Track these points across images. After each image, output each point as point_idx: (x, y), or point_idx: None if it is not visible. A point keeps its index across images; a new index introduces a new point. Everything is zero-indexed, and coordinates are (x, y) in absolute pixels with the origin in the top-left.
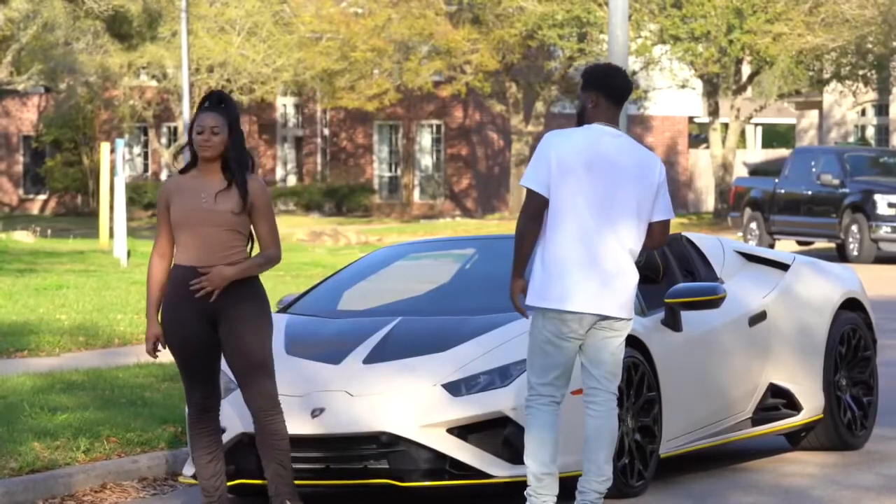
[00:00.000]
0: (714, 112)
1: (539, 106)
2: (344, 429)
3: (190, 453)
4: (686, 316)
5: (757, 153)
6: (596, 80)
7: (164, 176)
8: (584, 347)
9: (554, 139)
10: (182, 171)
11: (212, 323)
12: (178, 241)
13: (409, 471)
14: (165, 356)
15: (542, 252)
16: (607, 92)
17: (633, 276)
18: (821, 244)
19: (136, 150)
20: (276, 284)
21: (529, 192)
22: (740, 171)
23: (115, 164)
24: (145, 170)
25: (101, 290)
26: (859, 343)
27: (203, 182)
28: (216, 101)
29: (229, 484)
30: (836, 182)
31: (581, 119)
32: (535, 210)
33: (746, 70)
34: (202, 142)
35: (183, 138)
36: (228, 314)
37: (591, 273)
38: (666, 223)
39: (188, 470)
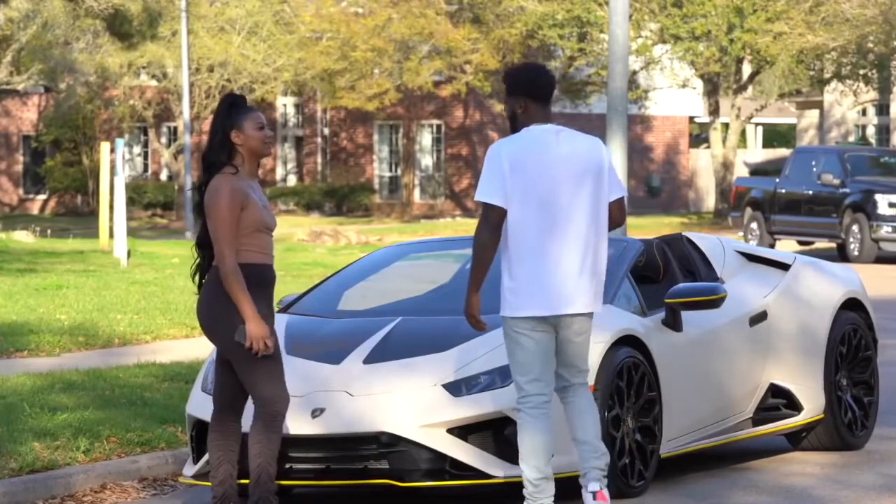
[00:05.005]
0: (715, 112)
1: None
2: (344, 429)
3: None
4: (686, 316)
5: (757, 153)
6: (519, 85)
7: (164, 176)
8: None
9: (501, 149)
10: (233, 172)
11: None
12: (260, 242)
13: (409, 471)
14: (164, 355)
15: (506, 261)
16: (533, 95)
17: (598, 270)
18: (821, 244)
19: (136, 149)
20: (277, 284)
21: (487, 205)
22: (741, 171)
23: (115, 164)
24: (145, 170)
25: (100, 290)
26: (860, 343)
27: (256, 185)
28: (245, 102)
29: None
30: (837, 182)
31: (514, 123)
32: (496, 222)
33: (747, 69)
34: (267, 138)
35: (183, 138)
36: None
37: (557, 274)
38: (621, 200)
39: (188, 470)
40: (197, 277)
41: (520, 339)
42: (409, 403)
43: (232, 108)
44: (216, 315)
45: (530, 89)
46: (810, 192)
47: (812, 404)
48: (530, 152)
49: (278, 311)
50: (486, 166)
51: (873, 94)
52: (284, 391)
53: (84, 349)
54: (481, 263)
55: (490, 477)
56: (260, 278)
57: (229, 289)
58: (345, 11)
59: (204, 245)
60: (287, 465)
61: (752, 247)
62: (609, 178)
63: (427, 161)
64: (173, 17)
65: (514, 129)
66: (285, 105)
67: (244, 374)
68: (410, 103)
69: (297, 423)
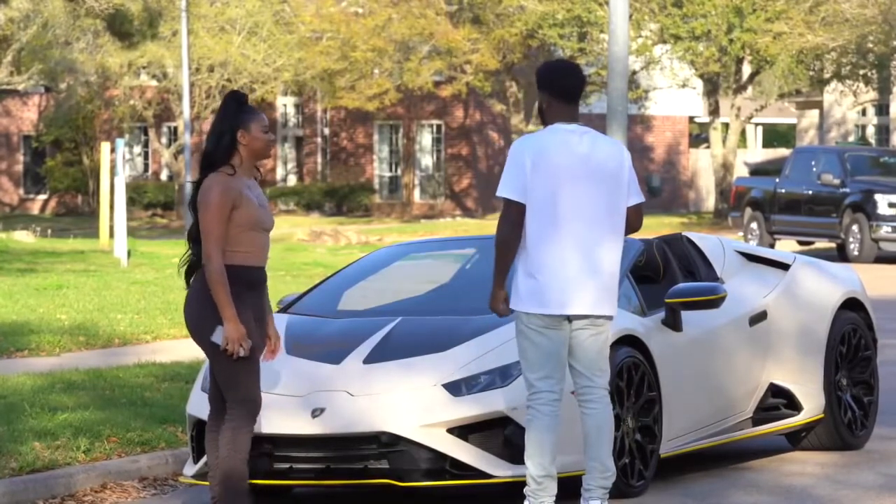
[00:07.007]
0: (714, 111)
1: None
2: (344, 429)
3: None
4: (686, 316)
5: (757, 153)
6: (545, 81)
7: (164, 176)
8: (571, 348)
9: (524, 145)
10: (230, 173)
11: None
12: (254, 242)
13: (409, 471)
14: (164, 355)
15: (522, 257)
16: (557, 93)
17: (611, 272)
18: (821, 244)
19: (137, 149)
20: (276, 284)
21: (508, 200)
22: (741, 171)
23: (116, 164)
24: (146, 170)
25: (101, 289)
26: (860, 343)
27: (253, 184)
28: (247, 101)
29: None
30: (837, 182)
31: (543, 118)
32: (516, 218)
33: (747, 69)
34: (270, 142)
35: (183, 138)
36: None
37: (570, 273)
38: (639, 206)
39: (188, 470)
40: (186, 272)
41: (531, 335)
42: (409, 403)
43: (240, 107)
44: (202, 317)
45: (557, 87)
46: (810, 192)
47: (812, 404)
48: (551, 151)
49: (278, 311)
50: (509, 162)
51: (873, 95)
52: (259, 394)
53: (84, 349)
54: (503, 259)
55: (490, 477)
56: (251, 281)
57: (213, 289)
58: (345, 11)
59: (196, 240)
60: (287, 465)
61: (752, 247)
62: (629, 183)
63: (427, 161)
64: (173, 16)
65: (544, 122)
66: (285, 105)
67: (220, 374)
68: (410, 103)
69: (297, 423)
